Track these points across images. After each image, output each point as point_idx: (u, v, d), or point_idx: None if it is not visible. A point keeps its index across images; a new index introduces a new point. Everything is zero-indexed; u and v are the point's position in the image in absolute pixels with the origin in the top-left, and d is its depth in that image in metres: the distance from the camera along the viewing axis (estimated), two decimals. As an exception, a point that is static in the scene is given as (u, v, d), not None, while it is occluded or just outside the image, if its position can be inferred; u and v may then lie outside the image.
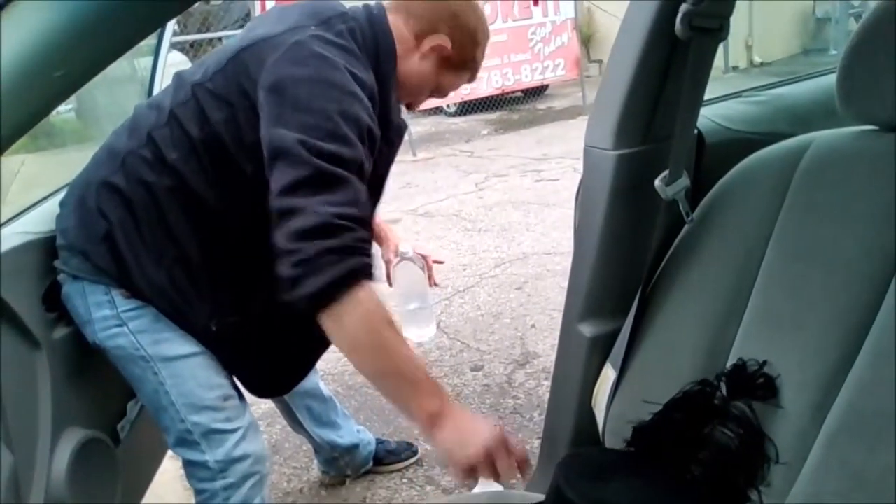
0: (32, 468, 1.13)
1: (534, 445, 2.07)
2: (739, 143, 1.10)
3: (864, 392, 0.74)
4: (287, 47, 1.11)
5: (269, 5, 5.84)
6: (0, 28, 0.54)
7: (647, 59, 1.02)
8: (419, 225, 4.60)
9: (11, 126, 0.61)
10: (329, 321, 1.02)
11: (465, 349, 2.81)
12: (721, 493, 0.83)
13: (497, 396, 2.42)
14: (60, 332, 1.27)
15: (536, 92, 9.04)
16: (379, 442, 2.07)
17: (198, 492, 1.36)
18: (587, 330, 1.20)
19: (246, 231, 1.21)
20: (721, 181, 1.01)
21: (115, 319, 1.23)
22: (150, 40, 1.82)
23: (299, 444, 2.21)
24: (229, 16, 7.33)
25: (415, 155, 6.88)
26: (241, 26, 1.53)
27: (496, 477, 1.04)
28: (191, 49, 5.94)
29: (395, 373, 1.04)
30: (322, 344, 1.42)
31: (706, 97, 1.10)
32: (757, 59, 8.91)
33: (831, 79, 0.84)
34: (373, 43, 1.19)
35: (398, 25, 1.23)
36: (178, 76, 1.27)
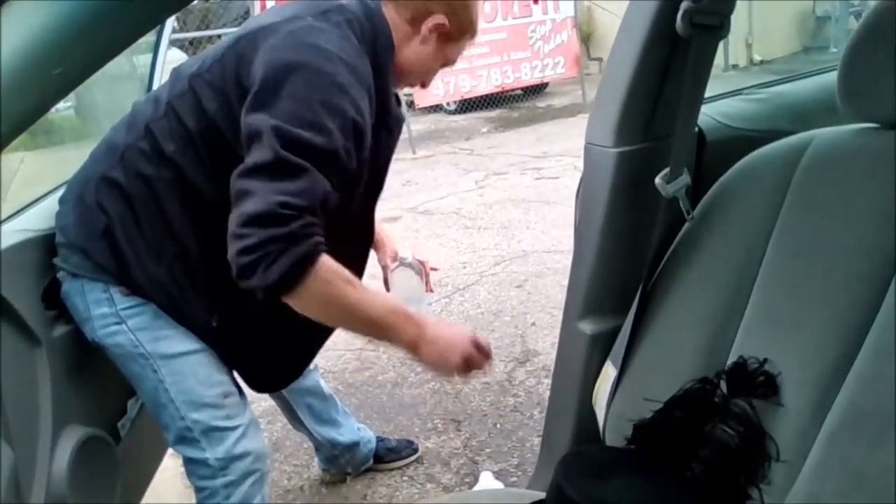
0: (33, 466, 1.13)
1: (534, 443, 2.08)
2: (740, 141, 1.10)
3: (864, 390, 0.74)
4: (282, 35, 1.12)
5: (269, 4, 5.84)
6: (-1, 26, 0.54)
7: (648, 57, 1.02)
8: (419, 223, 4.59)
9: (10, 124, 0.60)
10: (293, 301, 1.09)
11: (465, 347, 2.80)
12: (722, 490, 0.83)
13: (497, 394, 2.42)
14: (60, 329, 1.27)
15: (536, 90, 9.03)
16: (379, 440, 2.07)
17: (198, 489, 1.36)
18: (587, 328, 1.20)
19: None
20: (721, 179, 1.00)
21: (114, 317, 1.23)
22: (150, 37, 1.81)
23: (300, 441, 2.21)
24: (228, 13, 7.32)
25: (414, 153, 6.88)
26: (240, 24, 1.53)
27: (478, 367, 1.22)
28: (190, 46, 5.94)
29: (368, 322, 1.15)
30: (321, 336, 1.44)
31: (707, 95, 1.10)
32: (757, 57, 8.91)
33: (832, 76, 0.83)
34: (371, 35, 1.20)
35: (392, 17, 1.24)
36: (176, 70, 1.27)
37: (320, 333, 1.43)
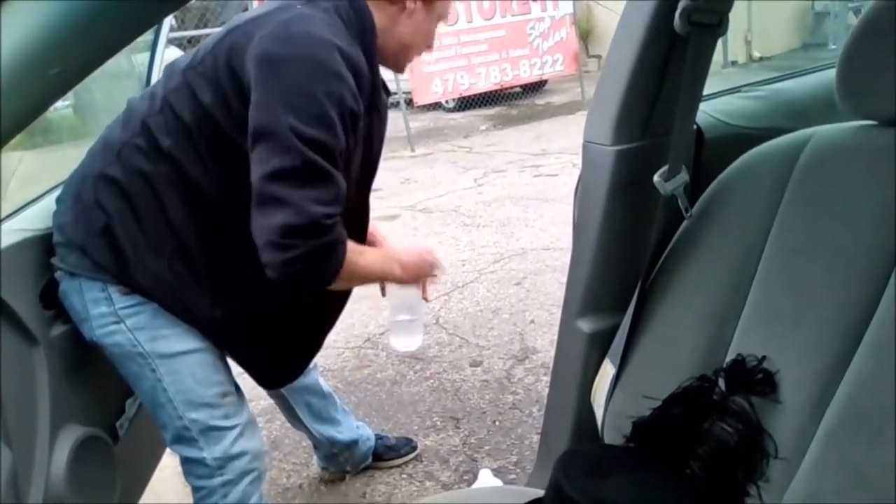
0: (31, 466, 1.13)
1: (533, 441, 2.08)
2: (738, 139, 1.10)
3: (863, 387, 0.74)
4: (274, 24, 1.12)
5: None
6: (-4, 25, 0.54)
7: (646, 55, 1.02)
8: (418, 221, 4.59)
9: (8, 123, 0.60)
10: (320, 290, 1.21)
11: (464, 345, 2.81)
12: (720, 488, 0.83)
13: (496, 392, 2.42)
14: (58, 329, 1.26)
15: (535, 87, 9.03)
16: (378, 438, 2.08)
17: (195, 489, 1.36)
18: (586, 326, 1.20)
19: (244, 216, 1.21)
20: (720, 176, 1.00)
21: (112, 316, 1.23)
22: (148, 36, 1.81)
23: (299, 440, 2.21)
24: (227, 12, 7.31)
25: (413, 151, 6.88)
26: (238, 22, 1.52)
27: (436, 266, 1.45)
28: (188, 45, 5.92)
29: (373, 277, 1.36)
30: (327, 324, 1.47)
31: (705, 92, 1.10)
32: (756, 54, 8.91)
33: (830, 74, 0.83)
34: (357, 21, 1.20)
35: (373, 3, 1.23)
36: (170, 65, 1.28)
37: (325, 321, 1.46)
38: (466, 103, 8.28)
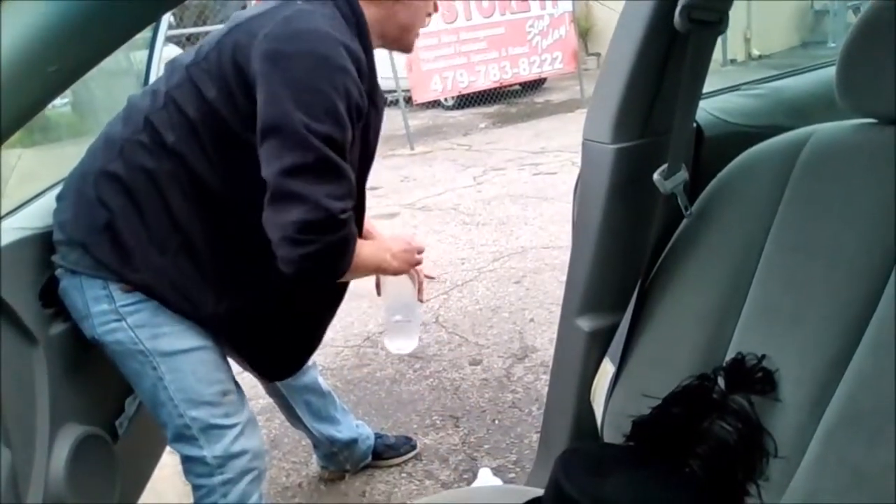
0: (31, 465, 1.13)
1: (532, 440, 2.08)
2: (738, 137, 1.09)
3: (862, 386, 0.74)
4: (277, 21, 1.13)
5: None
6: (-6, 23, 0.53)
7: (646, 53, 1.01)
8: (417, 219, 4.59)
9: (7, 120, 0.60)
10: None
11: (463, 343, 2.81)
12: (720, 487, 0.83)
13: (496, 390, 2.42)
14: (58, 328, 1.26)
15: (534, 85, 9.03)
16: (378, 436, 2.08)
17: (195, 487, 1.36)
18: (586, 324, 1.20)
19: (248, 211, 1.22)
20: (720, 175, 1.00)
21: (113, 314, 1.23)
22: (146, 34, 1.81)
23: (298, 438, 2.21)
24: (225, 10, 7.30)
25: (412, 149, 6.88)
26: (238, 20, 1.52)
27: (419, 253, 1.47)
28: (187, 42, 5.92)
29: (368, 270, 1.36)
30: (326, 319, 1.48)
31: (705, 90, 1.10)
32: (755, 52, 8.91)
33: (830, 72, 0.83)
34: (353, 16, 1.21)
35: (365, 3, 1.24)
36: (172, 62, 1.28)
37: (326, 315, 1.48)
38: (466, 101, 8.28)
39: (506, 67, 7.81)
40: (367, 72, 1.21)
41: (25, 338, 1.17)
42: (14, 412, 1.06)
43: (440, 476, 2.02)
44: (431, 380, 2.55)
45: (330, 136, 1.10)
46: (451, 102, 8.55)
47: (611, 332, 1.13)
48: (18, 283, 1.18)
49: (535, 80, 8.70)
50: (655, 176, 0.99)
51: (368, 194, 1.40)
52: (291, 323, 1.39)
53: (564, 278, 1.27)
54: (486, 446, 2.12)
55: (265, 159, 1.11)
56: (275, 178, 1.10)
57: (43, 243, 1.26)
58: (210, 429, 1.31)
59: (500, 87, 8.07)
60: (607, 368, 1.10)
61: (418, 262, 1.49)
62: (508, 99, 8.63)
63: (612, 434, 1.03)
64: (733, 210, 0.96)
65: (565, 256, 1.28)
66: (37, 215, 1.31)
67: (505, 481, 1.91)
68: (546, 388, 1.44)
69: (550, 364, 1.35)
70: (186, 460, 1.35)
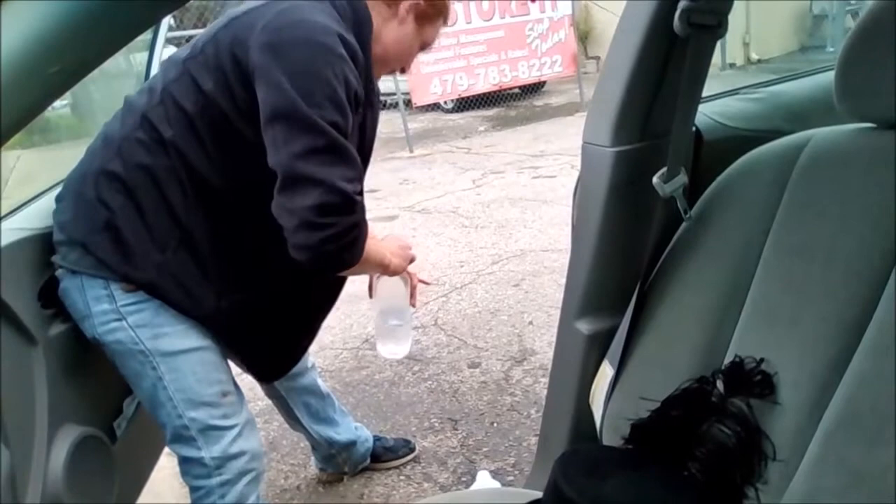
0: (29, 466, 1.13)
1: (531, 442, 2.08)
2: (737, 140, 1.10)
3: (861, 388, 0.74)
4: (276, 12, 1.14)
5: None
6: (-4, 24, 0.54)
7: (646, 56, 1.02)
8: (416, 221, 4.59)
9: (7, 122, 0.60)
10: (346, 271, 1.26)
11: (462, 346, 2.81)
12: (718, 490, 0.83)
13: (494, 393, 2.42)
14: (57, 328, 1.26)
15: (534, 88, 9.04)
16: (376, 439, 2.07)
17: (193, 489, 1.36)
18: (585, 327, 1.20)
19: (248, 205, 1.22)
20: (719, 178, 1.00)
21: (114, 314, 1.23)
22: (146, 35, 1.81)
23: (297, 440, 2.21)
24: (225, 12, 7.31)
25: (412, 151, 6.88)
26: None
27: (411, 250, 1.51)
28: (186, 44, 5.92)
29: (372, 263, 1.35)
30: (323, 315, 1.50)
31: (704, 94, 1.10)
32: (754, 56, 8.93)
33: (829, 76, 0.83)
34: (351, 15, 1.22)
35: (370, 2, 1.26)
36: (169, 59, 1.29)
37: (323, 310, 1.49)
38: (465, 104, 8.29)
39: (505, 71, 7.82)
40: (364, 67, 1.21)
41: (25, 338, 1.16)
42: (13, 413, 1.06)
43: (439, 479, 2.01)
44: (430, 382, 2.55)
45: (334, 121, 1.10)
46: (450, 105, 8.56)
47: (610, 334, 1.13)
48: (18, 283, 1.18)
49: (534, 84, 8.72)
50: (655, 179, 0.99)
51: (367, 196, 1.41)
52: (290, 318, 1.40)
53: (563, 281, 1.27)
54: (484, 449, 2.12)
55: (272, 146, 1.11)
56: (286, 163, 1.10)
57: (42, 244, 1.26)
58: (209, 430, 1.31)
59: (499, 91, 8.08)
60: (606, 371, 1.10)
61: (413, 260, 1.50)
62: (508, 102, 8.64)
63: (611, 436, 1.03)
64: (732, 213, 0.96)
65: (564, 259, 1.28)
66: (36, 216, 1.31)
67: (503, 484, 1.90)
68: (545, 391, 1.44)
69: (549, 367, 1.35)
70: (184, 461, 1.35)
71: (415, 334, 2.92)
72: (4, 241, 1.17)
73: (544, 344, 2.70)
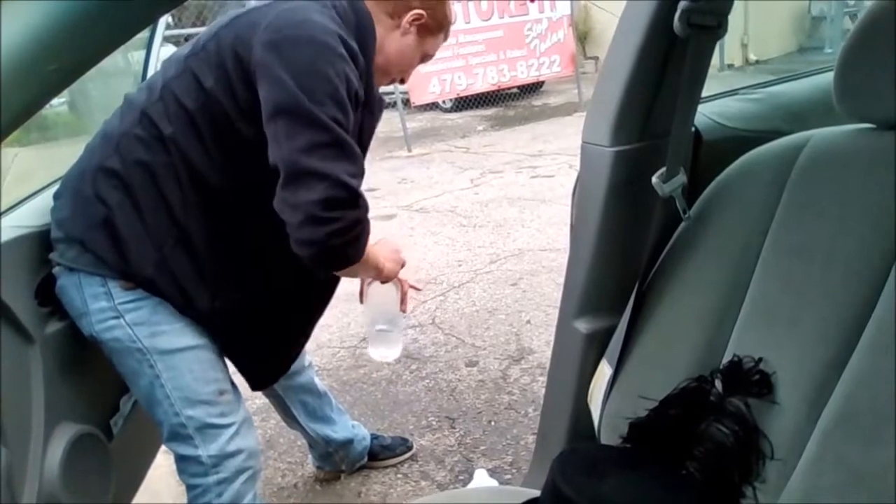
0: (25, 463, 1.12)
1: (528, 441, 2.08)
2: (736, 141, 1.10)
3: (859, 387, 0.74)
4: (278, 11, 1.15)
5: None
6: (-6, 21, 0.53)
7: (645, 56, 1.02)
8: (414, 221, 4.59)
9: (5, 120, 0.60)
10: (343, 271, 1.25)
11: (460, 345, 2.81)
12: (716, 488, 0.83)
13: (492, 392, 2.42)
14: (53, 326, 1.26)
15: (532, 88, 9.04)
16: (374, 437, 2.07)
17: (190, 487, 1.36)
18: (583, 326, 1.20)
19: (246, 205, 1.22)
20: (718, 178, 1.01)
21: (111, 311, 1.23)
22: (144, 34, 1.81)
23: (294, 439, 2.21)
24: (224, 11, 7.30)
25: (410, 151, 6.88)
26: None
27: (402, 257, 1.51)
28: (185, 43, 5.90)
29: (369, 263, 1.33)
30: (316, 316, 1.49)
31: (703, 95, 1.10)
32: (752, 57, 8.94)
33: (828, 77, 0.83)
34: (354, 19, 1.23)
35: (375, 10, 1.28)
36: (169, 58, 1.29)
37: (316, 311, 1.49)
38: (463, 104, 8.29)
39: (504, 70, 7.82)
40: (365, 72, 1.21)
41: (21, 336, 1.16)
42: (9, 411, 1.06)
43: (436, 477, 2.02)
44: (428, 381, 2.55)
45: (336, 117, 1.11)
46: (448, 105, 8.56)
47: (608, 334, 1.13)
48: (15, 281, 1.17)
49: (533, 84, 8.71)
50: (654, 179, 0.99)
51: (365, 195, 1.41)
52: (284, 319, 1.40)
53: (561, 280, 1.27)
54: (482, 447, 2.12)
55: (274, 141, 1.11)
56: (290, 157, 1.09)
57: (39, 242, 1.25)
58: (206, 428, 1.30)
59: (498, 90, 8.08)
60: (604, 370, 1.10)
61: (404, 265, 1.51)
62: (506, 102, 8.63)
63: (609, 435, 1.04)
64: (731, 213, 0.96)
65: (562, 259, 1.28)
66: (34, 214, 1.31)
67: (501, 482, 1.91)
68: (542, 390, 1.44)
69: (547, 366, 1.35)
70: (181, 459, 1.34)
71: (412, 333, 2.93)
72: (1, 239, 1.17)
73: (542, 343, 2.70)
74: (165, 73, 1.23)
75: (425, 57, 1.41)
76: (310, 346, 1.61)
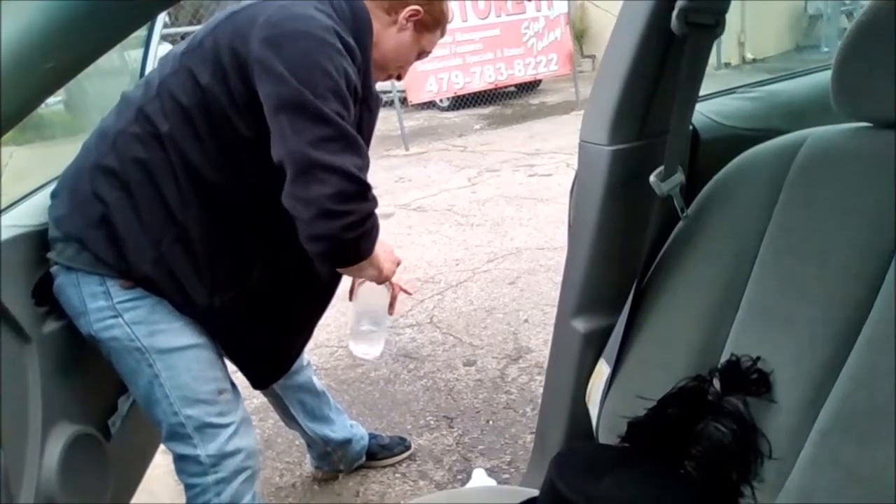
0: (22, 464, 1.12)
1: (527, 440, 2.08)
2: (734, 140, 1.10)
3: (857, 387, 0.74)
4: (276, 8, 1.15)
5: None
6: (-9, 19, 0.53)
7: (643, 55, 1.02)
8: (412, 219, 4.59)
9: (3, 118, 0.60)
10: (352, 268, 1.26)
11: (457, 344, 2.81)
12: (714, 488, 0.83)
13: (490, 391, 2.42)
14: (51, 326, 1.26)
15: (529, 87, 9.04)
16: (372, 437, 2.07)
17: (189, 486, 1.36)
18: (581, 325, 1.20)
19: (243, 202, 1.22)
20: (716, 177, 1.01)
21: (110, 310, 1.22)
22: (141, 32, 1.80)
23: (292, 438, 2.21)
24: (220, 8, 7.28)
25: (407, 149, 6.87)
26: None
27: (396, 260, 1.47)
28: (181, 41, 5.89)
29: (373, 262, 1.31)
30: (316, 316, 1.49)
31: (700, 93, 1.10)
32: (749, 56, 8.95)
33: (826, 75, 0.83)
34: (350, 15, 1.22)
35: (371, 6, 1.28)
36: (165, 56, 1.29)
37: (316, 311, 1.48)
38: (461, 102, 8.29)
39: (501, 69, 7.82)
40: (363, 69, 1.21)
41: (18, 336, 1.16)
42: (6, 411, 1.05)
43: (434, 477, 2.02)
44: (426, 380, 2.55)
45: (339, 111, 1.11)
46: (446, 103, 8.55)
47: (606, 333, 1.13)
48: (12, 280, 1.17)
49: (530, 82, 8.72)
50: (652, 178, 0.99)
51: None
52: (283, 318, 1.40)
53: (559, 279, 1.27)
54: (480, 447, 2.12)
55: (281, 136, 1.10)
56: (298, 152, 1.09)
57: (37, 241, 1.25)
58: (205, 427, 1.30)
59: (495, 89, 8.08)
60: (602, 369, 1.10)
61: (399, 263, 1.50)
62: (503, 100, 8.63)
63: (607, 435, 1.04)
64: (728, 212, 0.96)
65: (560, 257, 1.29)
66: (30, 213, 1.30)
67: (499, 482, 1.91)
68: (540, 389, 1.44)
69: (545, 365, 1.35)
70: (180, 459, 1.34)
71: (410, 332, 2.93)
72: (-1, 238, 1.16)
73: (540, 342, 2.70)
74: (162, 71, 1.23)
75: (422, 53, 1.41)
76: (308, 345, 1.61)
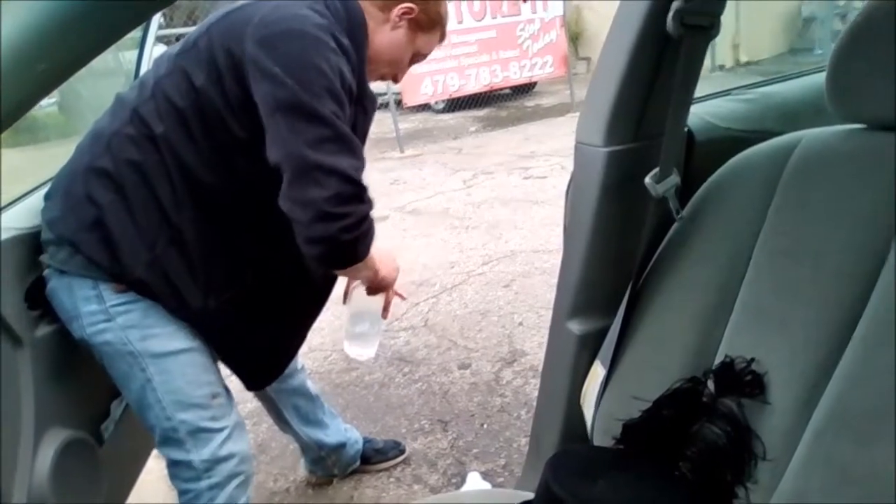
0: (14, 469, 1.11)
1: (521, 444, 2.08)
2: (729, 141, 1.10)
3: (851, 388, 0.74)
4: (270, 8, 1.14)
5: None
6: (-18, 20, 0.53)
7: (639, 57, 1.02)
8: (407, 222, 4.59)
9: (-4, 119, 0.59)
10: (348, 269, 1.27)
11: (452, 347, 2.80)
12: (709, 489, 0.83)
13: (485, 394, 2.42)
14: (43, 330, 1.25)
15: (524, 89, 9.06)
16: (366, 441, 2.07)
17: (182, 492, 1.35)
18: (576, 327, 1.20)
19: (238, 204, 1.21)
20: (710, 179, 1.01)
21: (102, 314, 1.22)
22: (136, 33, 1.80)
23: (286, 443, 2.20)
24: (215, 10, 7.27)
25: (402, 152, 6.88)
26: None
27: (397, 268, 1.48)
28: (176, 42, 5.88)
29: (369, 265, 1.31)
30: (310, 318, 1.49)
31: (695, 95, 1.10)
32: (743, 58, 8.99)
33: (820, 77, 0.84)
34: (344, 15, 1.22)
35: (365, 5, 1.28)
36: (160, 57, 1.28)
37: (311, 313, 1.48)
38: (456, 104, 8.30)
39: (496, 71, 7.83)
40: (358, 69, 1.21)
41: (10, 340, 1.15)
42: (-2, 415, 1.05)
43: (429, 480, 2.01)
44: (420, 384, 2.55)
45: (335, 111, 1.10)
46: (441, 106, 8.56)
47: (601, 335, 1.13)
48: (4, 284, 1.16)
49: (525, 84, 8.74)
50: (647, 179, 0.99)
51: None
52: (278, 321, 1.39)
53: (554, 282, 1.27)
54: (475, 450, 2.12)
55: (278, 138, 1.10)
56: (296, 153, 1.08)
57: (29, 244, 1.24)
58: (198, 432, 1.29)
59: (490, 91, 8.09)
60: (597, 371, 1.10)
61: (398, 271, 1.50)
62: (499, 102, 8.65)
63: (602, 437, 1.03)
64: (723, 214, 0.96)
65: (555, 260, 1.28)
66: (23, 215, 1.29)
67: (494, 485, 1.90)
68: (535, 392, 1.44)
69: (539, 368, 1.36)
70: (173, 464, 1.33)
71: (405, 335, 2.92)
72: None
73: (534, 345, 2.70)
74: (156, 72, 1.23)
75: (418, 55, 1.40)
76: (302, 349, 1.60)
